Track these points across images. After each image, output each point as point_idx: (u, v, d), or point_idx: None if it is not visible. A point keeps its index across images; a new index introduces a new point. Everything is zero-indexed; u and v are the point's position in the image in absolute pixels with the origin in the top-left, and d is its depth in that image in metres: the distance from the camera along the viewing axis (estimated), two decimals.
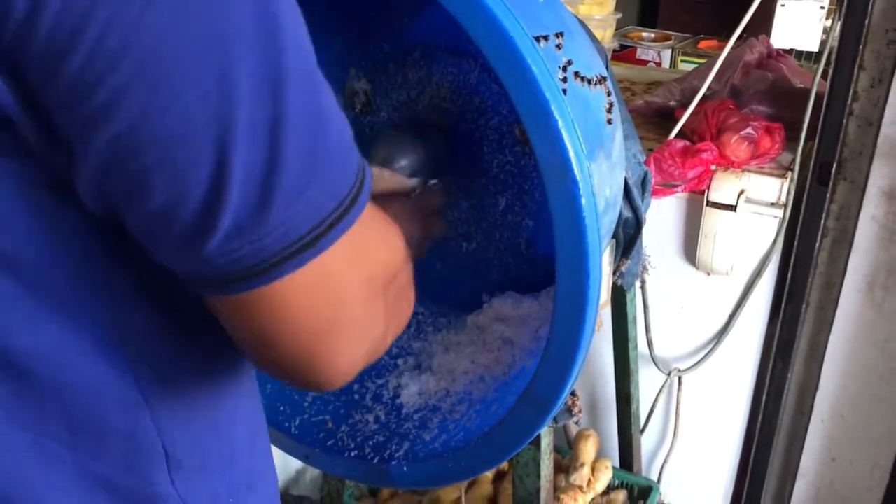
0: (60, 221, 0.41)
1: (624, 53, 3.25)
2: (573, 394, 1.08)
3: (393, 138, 0.93)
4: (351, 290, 0.46)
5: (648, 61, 3.23)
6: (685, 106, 1.44)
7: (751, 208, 1.36)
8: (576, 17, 1.08)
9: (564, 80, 0.70)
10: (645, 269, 1.30)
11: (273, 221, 0.40)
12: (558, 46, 0.72)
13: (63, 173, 0.39)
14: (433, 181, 0.92)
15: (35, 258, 0.41)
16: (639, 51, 3.28)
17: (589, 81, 0.76)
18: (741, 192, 1.34)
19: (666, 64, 3.18)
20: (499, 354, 0.94)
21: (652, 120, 1.60)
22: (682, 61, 3.16)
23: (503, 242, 1.03)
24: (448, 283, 1.09)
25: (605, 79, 0.81)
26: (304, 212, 0.41)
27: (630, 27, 3.49)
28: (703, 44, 3.25)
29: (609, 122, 0.82)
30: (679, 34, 3.38)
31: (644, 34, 3.38)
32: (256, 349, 0.47)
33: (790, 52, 1.72)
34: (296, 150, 0.40)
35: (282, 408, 1.01)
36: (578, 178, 0.64)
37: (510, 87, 0.63)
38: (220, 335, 0.48)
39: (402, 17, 0.96)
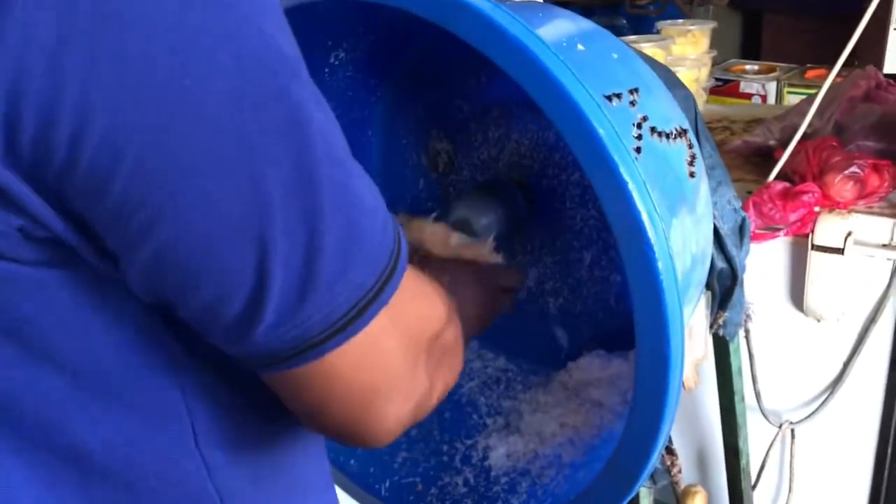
0: (117, 318, 0.43)
1: (726, 87, 3.16)
2: (671, 451, 1.03)
3: (473, 198, 0.92)
4: (393, 355, 0.48)
5: (753, 94, 3.13)
6: (785, 145, 1.38)
7: (860, 251, 1.28)
8: (660, 64, 1.05)
9: (639, 137, 0.68)
10: (748, 317, 1.25)
11: (314, 306, 0.42)
12: (632, 103, 0.70)
13: (112, 275, 0.41)
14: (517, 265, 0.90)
15: (93, 358, 0.42)
16: (742, 84, 3.18)
17: (667, 136, 0.74)
18: (848, 234, 1.26)
19: (771, 96, 3.06)
20: (587, 416, 0.91)
21: (751, 160, 1.54)
22: (789, 93, 3.03)
23: (591, 298, 1.00)
24: (537, 339, 1.07)
25: (685, 131, 0.79)
26: (344, 293, 0.43)
27: (732, 60, 3.39)
28: (811, 73, 3.12)
29: (692, 175, 0.79)
30: (785, 65, 3.25)
31: (747, 66, 3.27)
32: (308, 416, 0.49)
33: None
34: (332, 239, 0.41)
35: (371, 469, 1.01)
36: (653, 241, 0.62)
37: (577, 151, 0.62)
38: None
39: (479, 77, 0.96)
